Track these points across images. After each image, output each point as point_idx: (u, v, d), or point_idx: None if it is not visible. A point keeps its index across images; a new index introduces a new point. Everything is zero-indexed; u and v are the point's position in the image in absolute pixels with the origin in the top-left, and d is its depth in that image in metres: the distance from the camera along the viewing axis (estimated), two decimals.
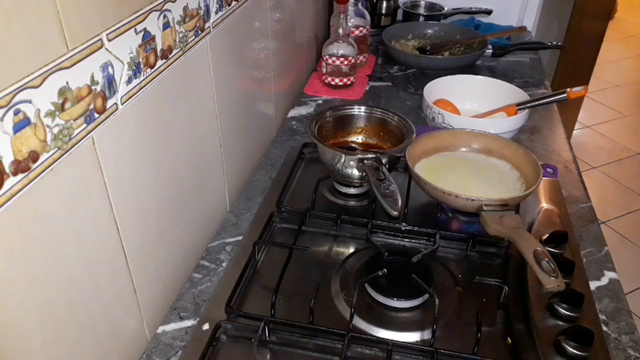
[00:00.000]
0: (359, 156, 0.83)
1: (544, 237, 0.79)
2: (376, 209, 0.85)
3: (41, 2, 0.44)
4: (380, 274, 0.72)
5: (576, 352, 0.62)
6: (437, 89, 1.12)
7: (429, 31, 1.54)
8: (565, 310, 0.67)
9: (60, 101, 0.47)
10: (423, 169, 0.89)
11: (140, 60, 0.59)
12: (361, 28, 1.36)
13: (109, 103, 0.54)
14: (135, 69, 0.58)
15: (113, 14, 0.53)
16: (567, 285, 0.68)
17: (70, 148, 0.49)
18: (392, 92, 1.30)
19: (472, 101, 1.15)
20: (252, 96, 0.98)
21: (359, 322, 0.69)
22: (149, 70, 0.61)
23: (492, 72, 1.38)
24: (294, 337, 0.67)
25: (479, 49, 1.42)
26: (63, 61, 0.47)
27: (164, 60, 0.64)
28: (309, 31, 1.35)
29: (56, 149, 0.47)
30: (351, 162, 0.84)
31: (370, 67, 1.41)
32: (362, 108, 0.98)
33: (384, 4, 1.61)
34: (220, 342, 0.67)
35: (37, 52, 0.44)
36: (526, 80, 1.32)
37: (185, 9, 0.67)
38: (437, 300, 0.66)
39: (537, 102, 1.05)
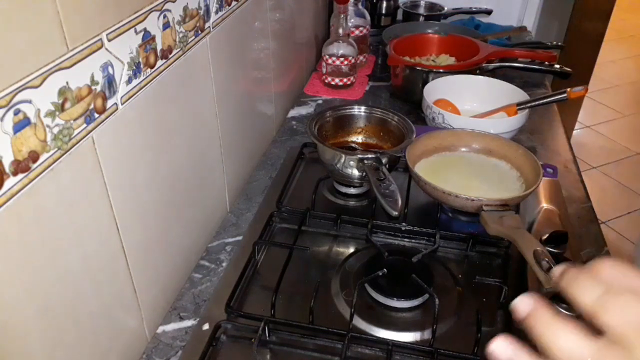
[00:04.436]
0: (359, 156, 0.83)
1: (544, 237, 0.79)
2: (376, 209, 0.85)
3: (41, 2, 0.44)
4: (380, 274, 0.72)
5: None
6: (437, 89, 1.12)
7: (429, 31, 1.53)
8: (565, 310, 0.67)
9: (60, 101, 0.47)
10: (423, 169, 0.89)
11: (140, 60, 0.59)
12: (361, 28, 1.36)
13: (109, 103, 0.54)
14: (135, 69, 0.58)
15: (113, 14, 0.53)
16: None
17: (70, 148, 0.49)
18: (392, 91, 1.30)
19: (472, 101, 1.15)
20: (252, 96, 0.98)
21: (359, 322, 0.69)
22: (149, 70, 0.61)
23: (492, 72, 1.38)
24: (294, 337, 0.67)
25: None
26: (63, 61, 0.47)
27: (164, 60, 0.64)
28: (309, 31, 1.35)
29: (56, 149, 0.47)
30: (351, 162, 0.84)
31: (370, 67, 1.41)
32: (362, 108, 0.98)
33: (384, 4, 1.61)
34: (220, 342, 0.67)
35: (37, 52, 0.44)
36: (526, 80, 1.32)
37: (185, 9, 0.67)
38: (437, 300, 0.66)
39: (537, 102, 1.05)
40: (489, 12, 1.65)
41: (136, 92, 0.59)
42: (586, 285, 0.28)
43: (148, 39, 0.60)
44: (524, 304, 0.29)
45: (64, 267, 0.51)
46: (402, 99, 1.26)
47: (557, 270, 0.30)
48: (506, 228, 0.73)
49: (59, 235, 0.50)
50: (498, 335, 0.30)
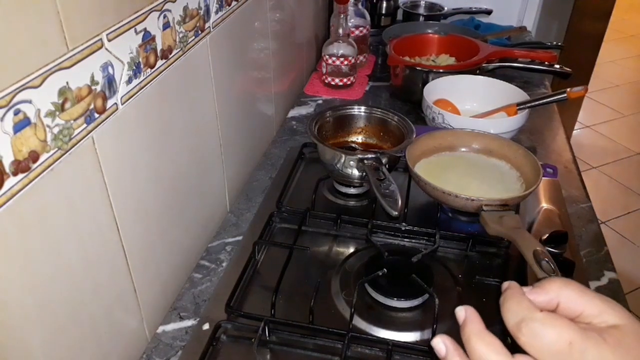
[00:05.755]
0: (359, 156, 0.83)
1: (544, 237, 0.79)
2: (376, 209, 0.85)
3: (41, 2, 0.44)
4: (380, 273, 0.72)
5: None
6: (437, 89, 1.12)
7: (429, 31, 1.53)
8: None
9: (61, 101, 0.47)
10: (423, 169, 0.89)
11: (141, 60, 0.59)
12: (361, 28, 1.36)
13: (109, 103, 0.54)
14: (136, 69, 0.58)
15: (113, 14, 0.53)
16: None
17: (71, 148, 0.49)
18: (392, 91, 1.30)
19: (472, 101, 1.15)
20: (252, 96, 0.98)
21: (359, 322, 0.69)
22: (149, 70, 0.61)
23: (492, 72, 1.38)
24: (294, 337, 0.67)
25: None
26: (63, 61, 0.47)
27: (164, 60, 0.64)
28: (309, 31, 1.35)
29: (56, 149, 0.47)
30: (351, 162, 0.84)
31: (370, 67, 1.42)
32: (362, 108, 0.98)
33: (384, 4, 1.61)
34: (220, 342, 0.67)
35: (37, 52, 0.44)
36: (526, 80, 1.32)
37: (185, 9, 0.67)
38: (437, 300, 0.67)
39: (537, 102, 1.05)
40: (489, 12, 1.65)
41: (136, 92, 0.59)
42: (511, 309, 0.33)
43: (148, 39, 0.60)
44: (461, 313, 0.34)
45: (64, 267, 0.51)
46: (402, 99, 1.26)
47: (504, 285, 0.34)
48: (506, 228, 0.73)
49: (59, 235, 0.50)
50: (439, 335, 0.34)
